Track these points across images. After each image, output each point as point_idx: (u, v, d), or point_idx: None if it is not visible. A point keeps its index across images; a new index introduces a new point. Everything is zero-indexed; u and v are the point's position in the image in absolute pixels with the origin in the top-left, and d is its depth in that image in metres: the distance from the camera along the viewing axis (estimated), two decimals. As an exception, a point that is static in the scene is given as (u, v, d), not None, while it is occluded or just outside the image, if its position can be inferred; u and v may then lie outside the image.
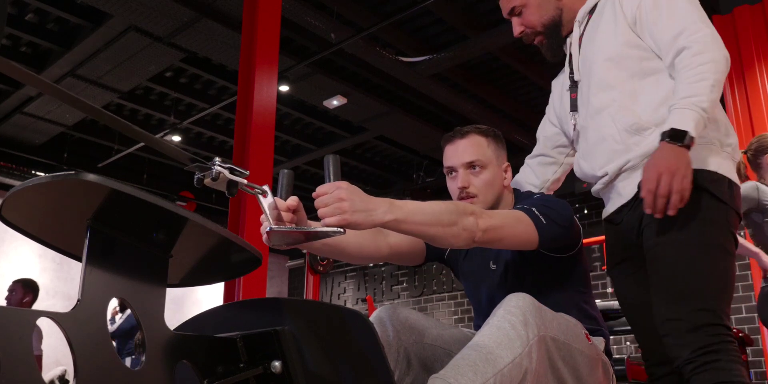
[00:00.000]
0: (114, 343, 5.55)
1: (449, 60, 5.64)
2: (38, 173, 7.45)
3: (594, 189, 1.69)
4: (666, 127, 1.40)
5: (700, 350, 1.35)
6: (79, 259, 0.89)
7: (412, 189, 8.48)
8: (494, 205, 1.67)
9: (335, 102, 6.47)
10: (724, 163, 1.50)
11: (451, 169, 1.71)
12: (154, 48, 5.60)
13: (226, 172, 1.16)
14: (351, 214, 1.20)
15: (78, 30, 5.76)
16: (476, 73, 6.42)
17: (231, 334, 1.07)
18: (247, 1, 4.06)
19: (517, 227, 1.47)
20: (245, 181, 1.21)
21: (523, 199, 1.71)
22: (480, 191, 1.66)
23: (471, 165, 1.67)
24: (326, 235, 1.22)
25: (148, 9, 5.01)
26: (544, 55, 1.79)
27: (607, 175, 1.59)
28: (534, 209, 1.52)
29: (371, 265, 9.69)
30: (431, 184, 8.65)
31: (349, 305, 9.75)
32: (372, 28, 5.23)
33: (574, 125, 1.69)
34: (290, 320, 1.06)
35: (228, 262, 1.13)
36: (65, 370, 5.60)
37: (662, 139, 1.39)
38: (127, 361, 5.52)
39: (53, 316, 0.81)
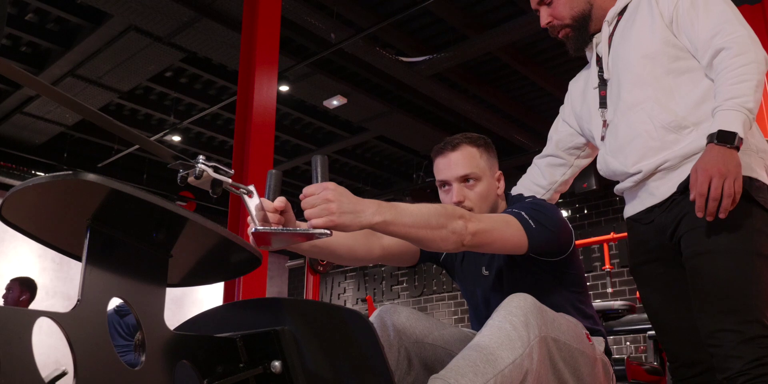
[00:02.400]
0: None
1: (449, 60, 5.64)
2: (38, 173, 7.44)
3: (620, 186, 1.68)
4: (713, 129, 1.39)
5: (753, 362, 1.34)
6: (79, 259, 0.89)
7: (412, 189, 8.48)
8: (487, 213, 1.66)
9: (335, 102, 6.47)
10: (758, 168, 1.50)
11: (444, 183, 1.69)
12: (154, 48, 5.60)
13: (210, 171, 1.13)
14: (338, 215, 1.17)
15: (78, 30, 5.76)
16: (476, 73, 6.42)
17: (231, 334, 1.07)
18: (247, 1, 4.05)
19: (506, 231, 1.45)
20: (230, 181, 1.18)
21: (513, 202, 1.70)
22: (475, 204, 1.65)
23: (465, 178, 1.65)
24: (313, 236, 1.19)
25: (148, 9, 5.00)
26: (568, 49, 1.78)
27: (640, 172, 1.57)
28: (523, 213, 1.51)
29: (371, 265, 9.68)
30: (431, 184, 8.64)
31: (349, 305, 9.75)
32: (372, 28, 5.23)
33: (604, 121, 1.67)
34: (290, 320, 1.05)
35: (228, 261, 1.13)
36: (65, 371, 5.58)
37: (710, 142, 1.39)
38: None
39: (53, 316, 0.81)
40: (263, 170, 3.59)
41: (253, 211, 1.23)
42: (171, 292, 1.03)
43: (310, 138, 7.87)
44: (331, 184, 1.20)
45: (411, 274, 9.32)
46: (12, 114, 6.91)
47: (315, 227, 1.17)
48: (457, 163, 1.66)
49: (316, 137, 7.91)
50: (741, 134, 1.37)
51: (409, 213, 1.29)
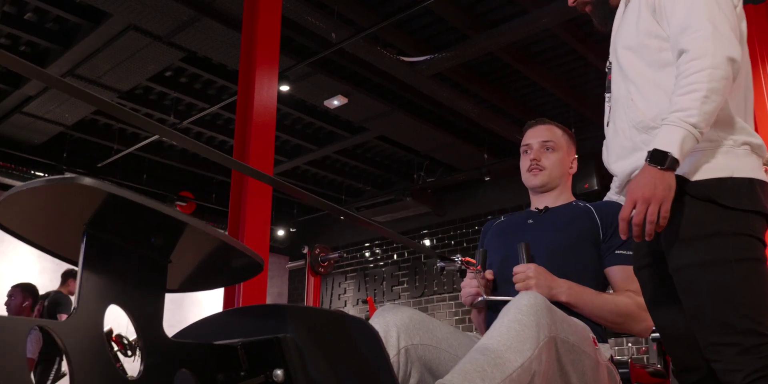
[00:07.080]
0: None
1: (450, 60, 5.61)
2: (38, 173, 7.43)
3: (614, 189, 1.72)
4: (651, 147, 1.34)
5: (753, 374, 1.29)
6: (76, 264, 0.87)
7: (412, 189, 8.45)
8: (556, 183, 1.91)
9: (336, 102, 6.45)
10: (739, 163, 1.41)
11: (528, 147, 1.95)
12: (154, 47, 5.58)
13: (463, 265, 1.70)
14: (536, 287, 1.61)
15: (77, 29, 5.73)
16: (477, 72, 6.39)
17: (231, 342, 1.04)
18: (247, 0, 4.03)
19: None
20: (471, 268, 1.73)
21: (604, 211, 1.81)
22: (548, 166, 1.90)
23: (545, 143, 1.92)
24: None
25: (147, 8, 4.98)
26: (594, 24, 1.75)
27: (616, 175, 1.55)
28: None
29: (371, 265, 9.67)
30: (432, 184, 8.62)
31: (349, 306, 9.73)
32: (373, 28, 5.20)
33: (610, 107, 1.64)
34: (292, 327, 1.03)
35: (228, 267, 1.10)
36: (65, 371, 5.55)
37: (645, 159, 1.34)
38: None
39: (48, 325, 0.79)
40: (264, 170, 3.56)
41: (482, 283, 1.74)
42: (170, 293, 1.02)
43: (310, 138, 7.85)
44: (533, 265, 1.67)
45: (412, 275, 9.30)
46: (11, 114, 6.88)
47: None
48: (542, 132, 1.96)
49: (316, 137, 7.90)
50: (676, 154, 1.30)
51: (590, 305, 1.66)
